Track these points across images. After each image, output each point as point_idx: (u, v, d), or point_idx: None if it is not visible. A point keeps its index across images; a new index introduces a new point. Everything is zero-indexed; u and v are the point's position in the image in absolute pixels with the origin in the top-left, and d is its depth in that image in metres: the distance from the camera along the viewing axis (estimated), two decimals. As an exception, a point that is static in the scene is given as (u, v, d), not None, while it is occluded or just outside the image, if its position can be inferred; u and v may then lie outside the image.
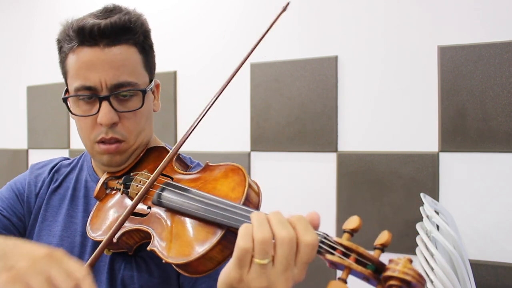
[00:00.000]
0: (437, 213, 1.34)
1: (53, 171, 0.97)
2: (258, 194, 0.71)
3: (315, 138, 1.79)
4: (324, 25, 1.82)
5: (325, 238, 0.55)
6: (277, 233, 0.53)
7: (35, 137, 2.55)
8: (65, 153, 2.43)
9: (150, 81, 0.88)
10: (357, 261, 0.53)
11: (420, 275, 0.50)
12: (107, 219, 0.81)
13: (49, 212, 0.92)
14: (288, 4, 0.77)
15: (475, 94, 1.56)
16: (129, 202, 0.81)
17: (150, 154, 0.90)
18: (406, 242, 1.61)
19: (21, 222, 0.91)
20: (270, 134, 1.88)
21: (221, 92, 0.79)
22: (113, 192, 0.86)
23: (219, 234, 0.63)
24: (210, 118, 2.09)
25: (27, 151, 2.58)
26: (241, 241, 0.53)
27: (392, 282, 0.50)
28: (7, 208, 0.91)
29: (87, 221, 0.85)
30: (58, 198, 0.93)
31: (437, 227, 1.31)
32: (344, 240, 0.55)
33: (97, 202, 0.86)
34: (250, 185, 0.69)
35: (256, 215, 0.56)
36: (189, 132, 0.77)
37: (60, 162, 1.00)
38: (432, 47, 1.63)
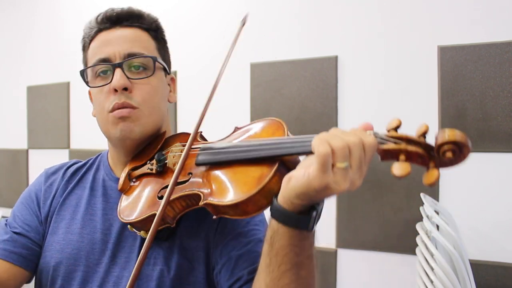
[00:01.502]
0: (437, 213, 1.34)
1: (67, 173, 0.98)
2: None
3: (315, 138, 1.79)
4: (324, 25, 1.82)
5: (376, 134, 0.63)
6: (348, 140, 0.60)
7: (35, 137, 2.55)
8: (65, 153, 2.43)
9: (168, 73, 0.95)
10: (409, 145, 0.61)
11: (466, 136, 0.59)
12: (142, 201, 0.82)
13: (67, 211, 0.93)
14: (246, 16, 0.84)
15: (475, 94, 1.56)
16: (162, 180, 0.82)
17: (170, 140, 0.91)
18: (406, 242, 1.61)
19: (38, 235, 0.92)
20: (270, 134, 1.88)
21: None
22: (137, 183, 0.87)
23: (274, 166, 0.67)
24: (210, 118, 2.09)
25: (27, 151, 2.58)
26: (321, 147, 0.60)
27: (445, 147, 0.58)
28: (24, 225, 0.92)
29: (107, 218, 0.87)
30: (75, 198, 0.94)
31: (437, 227, 1.31)
32: (393, 133, 0.63)
33: (122, 195, 0.87)
34: (287, 130, 0.75)
35: (323, 133, 0.65)
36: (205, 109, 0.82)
37: (74, 164, 1.01)
38: (432, 47, 1.63)
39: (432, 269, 1.23)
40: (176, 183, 0.76)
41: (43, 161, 2.57)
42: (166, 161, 0.84)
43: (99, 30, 0.89)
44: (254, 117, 1.92)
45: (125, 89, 0.84)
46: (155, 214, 0.74)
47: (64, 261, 0.87)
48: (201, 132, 0.90)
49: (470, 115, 1.56)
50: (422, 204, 1.37)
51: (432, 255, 1.24)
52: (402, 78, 1.69)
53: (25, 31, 2.61)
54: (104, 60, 0.86)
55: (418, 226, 1.36)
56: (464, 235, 1.54)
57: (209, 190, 0.72)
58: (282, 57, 1.88)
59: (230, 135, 0.82)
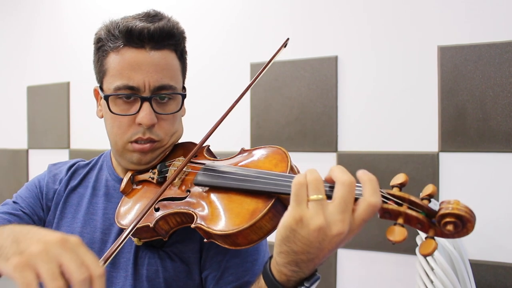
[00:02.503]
0: (437, 213, 1.34)
1: (71, 170, 0.98)
2: (298, 172, 0.73)
3: (315, 138, 1.79)
4: (324, 25, 1.82)
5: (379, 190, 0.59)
6: (337, 176, 0.57)
7: (35, 137, 2.55)
8: (65, 153, 2.43)
9: (183, 85, 0.93)
10: (410, 208, 0.57)
11: (471, 211, 0.55)
12: (138, 210, 0.82)
13: (68, 209, 0.93)
14: (288, 39, 0.82)
15: (475, 94, 1.56)
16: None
17: (177, 149, 0.91)
18: (406, 242, 1.61)
19: (41, 221, 0.93)
20: (270, 134, 1.88)
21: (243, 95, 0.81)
22: (139, 187, 0.87)
23: (270, 202, 0.65)
24: (210, 118, 2.09)
25: (27, 151, 2.58)
26: (296, 179, 0.58)
27: (447, 219, 0.55)
28: (27, 207, 0.92)
29: (108, 218, 0.87)
30: (77, 197, 0.94)
31: (437, 227, 1.30)
32: (395, 191, 0.59)
33: (123, 197, 0.87)
34: (291, 161, 0.72)
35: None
36: (218, 123, 0.82)
37: (78, 162, 1.01)
38: (432, 47, 1.63)
39: (432, 269, 1.23)
40: (173, 199, 0.76)
41: (43, 161, 2.57)
42: (166, 174, 0.84)
43: (127, 45, 0.83)
44: (254, 117, 1.92)
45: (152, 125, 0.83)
46: (148, 226, 0.74)
47: None
48: (209, 146, 0.89)
49: (470, 115, 1.56)
50: (422, 204, 1.37)
51: (432, 255, 1.24)
52: (402, 78, 1.69)
53: (25, 31, 2.61)
54: (132, 88, 0.82)
55: (418, 226, 1.36)
56: (464, 235, 1.54)
57: (203, 213, 0.71)
58: (282, 57, 1.88)
59: (235, 156, 0.81)
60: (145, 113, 0.81)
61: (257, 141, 1.91)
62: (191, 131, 2.26)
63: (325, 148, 1.78)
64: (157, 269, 0.82)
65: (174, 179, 0.73)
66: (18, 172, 2.60)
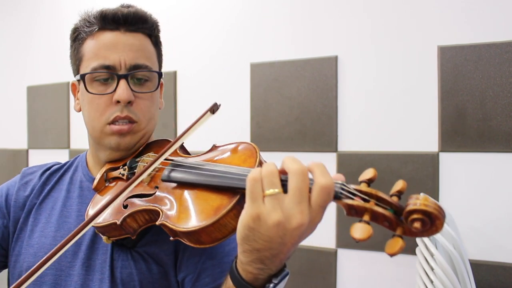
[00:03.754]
0: (437, 213, 1.34)
1: (44, 175, 0.97)
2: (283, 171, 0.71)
3: (315, 138, 1.79)
4: (324, 25, 1.82)
5: (344, 185, 0.56)
6: (289, 166, 0.55)
7: (35, 137, 2.55)
8: (65, 153, 2.43)
9: (159, 75, 0.92)
10: (377, 205, 0.55)
11: (440, 207, 0.52)
12: (108, 207, 0.81)
13: (42, 215, 0.91)
14: (215, 104, 0.81)
15: (475, 94, 1.56)
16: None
17: (151, 146, 0.90)
18: (406, 242, 1.61)
19: (5, 229, 0.91)
20: (270, 134, 1.88)
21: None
22: (112, 184, 0.86)
23: (234, 198, 0.63)
24: (210, 118, 2.08)
25: (27, 151, 2.58)
26: (250, 175, 0.56)
27: (414, 216, 0.52)
28: None
29: (82, 219, 0.85)
30: (51, 201, 0.93)
31: (437, 227, 1.30)
32: (363, 187, 0.56)
33: (96, 194, 0.86)
34: (261, 156, 0.70)
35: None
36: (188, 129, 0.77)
37: (52, 166, 1.00)
38: (432, 47, 1.63)
39: (432, 269, 1.23)
40: (141, 195, 0.75)
41: (43, 161, 2.55)
42: (135, 170, 0.83)
43: (102, 29, 0.85)
44: (254, 117, 1.92)
45: (128, 102, 0.84)
46: (115, 223, 0.73)
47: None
48: (182, 143, 0.87)
49: (470, 115, 1.56)
50: (422, 204, 1.37)
51: (432, 255, 1.24)
52: (402, 78, 1.69)
53: (25, 31, 2.61)
54: (108, 67, 0.83)
55: (418, 226, 1.36)
56: (464, 235, 1.54)
57: (168, 210, 0.70)
58: (282, 57, 1.88)
59: (206, 152, 0.79)
60: (122, 89, 0.82)
61: (257, 141, 1.91)
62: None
63: (325, 148, 1.78)
64: (131, 271, 0.81)
65: (141, 174, 0.71)
66: (18, 172, 2.59)
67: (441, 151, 1.61)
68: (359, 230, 0.52)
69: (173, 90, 2.11)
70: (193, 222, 0.65)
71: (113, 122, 0.84)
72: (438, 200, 1.60)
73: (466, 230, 1.56)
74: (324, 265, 1.79)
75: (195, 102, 2.08)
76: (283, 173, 0.57)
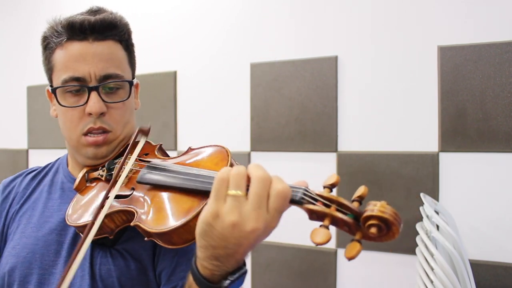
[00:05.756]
0: (437, 213, 1.34)
1: (25, 181, 0.98)
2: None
3: (315, 138, 1.79)
4: (324, 25, 1.82)
5: (306, 190, 0.59)
6: (252, 172, 0.58)
7: (35, 137, 2.55)
8: (65, 153, 2.42)
9: (132, 78, 0.92)
10: (338, 210, 0.57)
11: (396, 214, 0.54)
12: (90, 206, 0.82)
13: (24, 217, 0.92)
14: (148, 128, 0.83)
15: (475, 94, 1.56)
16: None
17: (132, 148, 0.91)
18: (406, 242, 1.61)
19: None
20: (270, 134, 1.88)
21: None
22: (93, 184, 0.87)
23: (204, 201, 0.64)
24: (210, 118, 2.09)
25: (27, 151, 2.58)
26: (219, 174, 0.58)
27: (371, 222, 0.54)
28: None
29: (63, 219, 0.85)
30: (31, 203, 0.94)
31: (437, 227, 1.31)
32: (325, 192, 0.59)
33: (76, 194, 0.87)
34: (233, 160, 0.72)
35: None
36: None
37: (32, 171, 1.01)
38: (432, 47, 1.63)
39: (432, 269, 1.23)
40: (118, 196, 0.76)
41: (43, 161, 2.55)
42: (112, 172, 0.83)
43: (69, 39, 0.85)
44: (254, 117, 1.92)
45: (101, 113, 0.84)
46: (93, 223, 0.73)
47: (19, 265, 0.86)
48: (161, 144, 0.90)
49: (470, 115, 1.56)
50: (422, 204, 1.37)
51: (432, 255, 1.24)
52: (402, 78, 1.69)
53: (25, 31, 2.61)
54: (78, 79, 0.83)
55: (418, 226, 1.36)
56: (464, 235, 1.54)
57: (142, 211, 0.71)
58: (282, 57, 1.88)
59: (181, 155, 0.81)
60: (93, 102, 0.82)
61: (257, 141, 1.91)
62: (190, 129, 2.27)
63: (325, 148, 1.78)
64: (110, 268, 0.82)
65: (117, 178, 0.73)
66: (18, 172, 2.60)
67: (441, 151, 1.61)
68: (318, 234, 0.54)
69: (173, 90, 2.11)
70: (164, 223, 0.66)
71: (87, 133, 0.85)
72: (438, 200, 1.60)
73: (466, 230, 1.56)
74: (324, 265, 1.79)
75: (195, 102, 2.08)
76: (248, 179, 0.59)
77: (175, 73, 2.12)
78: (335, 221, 0.56)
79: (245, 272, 0.62)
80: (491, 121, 1.53)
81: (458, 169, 1.59)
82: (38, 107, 2.53)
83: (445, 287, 1.17)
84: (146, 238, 0.70)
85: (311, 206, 0.57)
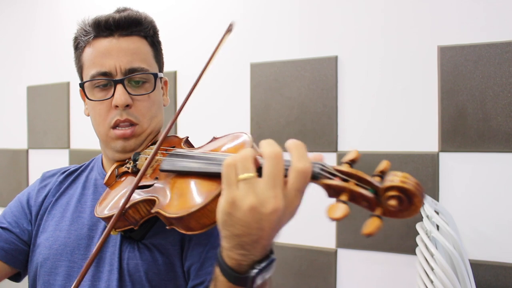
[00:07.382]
0: (437, 213, 1.34)
1: (62, 176, 1.02)
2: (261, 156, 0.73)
3: (315, 138, 1.79)
4: (324, 25, 1.82)
5: (324, 166, 0.56)
6: (263, 150, 0.55)
7: (35, 137, 2.55)
8: (65, 153, 2.43)
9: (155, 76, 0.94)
10: (357, 185, 0.53)
11: (419, 184, 0.50)
12: (115, 197, 0.83)
13: (57, 210, 0.95)
14: (231, 25, 0.84)
15: (475, 94, 1.56)
16: None
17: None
18: (406, 242, 1.61)
19: (24, 232, 0.95)
20: (270, 134, 1.88)
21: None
22: (122, 179, 0.88)
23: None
24: (210, 118, 2.09)
25: (27, 151, 2.58)
26: (225, 161, 0.56)
27: (391, 193, 0.50)
28: (12, 222, 0.96)
29: (94, 214, 0.88)
30: (66, 198, 0.97)
31: (437, 227, 1.31)
32: (344, 167, 0.55)
33: (107, 189, 0.89)
34: (254, 145, 0.71)
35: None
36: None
37: (70, 169, 1.05)
38: (432, 47, 1.63)
39: (432, 269, 1.23)
40: (142, 187, 0.77)
41: (43, 161, 2.57)
42: (137, 163, 0.86)
43: (96, 37, 0.88)
44: (254, 117, 1.92)
45: (127, 105, 0.86)
46: (119, 212, 0.74)
47: (51, 256, 0.89)
48: (187, 137, 0.91)
49: (470, 115, 1.56)
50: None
51: (432, 255, 1.24)
52: (402, 78, 1.69)
53: (25, 31, 2.61)
54: (105, 74, 0.86)
55: (418, 226, 1.36)
56: (464, 235, 1.54)
57: (163, 199, 0.71)
58: (282, 57, 1.88)
59: (206, 144, 0.82)
60: (119, 94, 0.85)
61: (257, 141, 1.91)
62: (191, 130, 2.27)
63: (325, 148, 1.78)
64: (137, 262, 0.83)
65: (146, 169, 0.73)
66: (18, 172, 2.60)
67: (441, 151, 1.61)
68: (338, 209, 0.51)
69: (173, 90, 2.11)
70: (182, 208, 0.66)
71: (115, 126, 0.88)
72: (438, 200, 1.60)
73: (466, 230, 1.56)
74: (324, 265, 1.79)
75: (195, 102, 2.07)
76: (261, 157, 0.57)
77: (175, 73, 2.12)
78: (353, 196, 0.53)
79: (273, 261, 0.59)
80: (491, 121, 1.53)
81: (458, 169, 1.59)
82: (38, 107, 2.53)
83: (445, 287, 1.17)
84: (167, 227, 0.69)
85: (328, 181, 0.54)
